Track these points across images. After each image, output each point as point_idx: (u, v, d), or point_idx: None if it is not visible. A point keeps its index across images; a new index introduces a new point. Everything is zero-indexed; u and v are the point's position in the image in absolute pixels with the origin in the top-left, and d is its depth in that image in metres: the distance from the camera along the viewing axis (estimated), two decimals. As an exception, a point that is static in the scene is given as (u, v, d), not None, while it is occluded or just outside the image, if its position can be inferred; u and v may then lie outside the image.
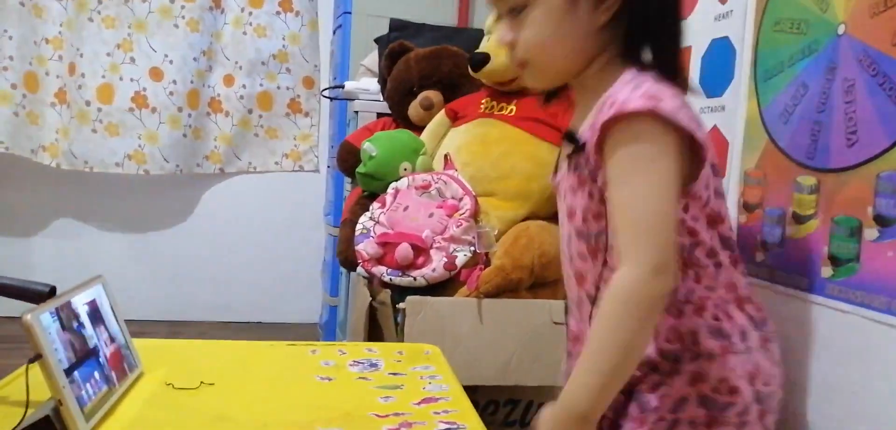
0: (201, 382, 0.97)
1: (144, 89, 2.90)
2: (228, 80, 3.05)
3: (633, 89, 0.77)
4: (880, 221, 0.82)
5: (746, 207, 1.07)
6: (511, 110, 1.64)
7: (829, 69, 0.91)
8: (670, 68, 0.83)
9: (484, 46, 1.67)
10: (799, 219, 0.95)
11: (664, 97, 0.76)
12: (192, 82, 2.96)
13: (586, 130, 0.83)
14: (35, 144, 2.85)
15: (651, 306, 0.75)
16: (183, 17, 2.92)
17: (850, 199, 0.86)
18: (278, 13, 3.06)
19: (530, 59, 0.88)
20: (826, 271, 0.90)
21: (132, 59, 2.89)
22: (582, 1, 0.83)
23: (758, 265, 1.03)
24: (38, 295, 0.82)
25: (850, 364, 0.87)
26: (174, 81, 2.93)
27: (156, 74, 2.91)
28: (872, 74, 0.83)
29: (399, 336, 1.41)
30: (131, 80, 2.89)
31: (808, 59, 0.95)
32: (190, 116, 2.98)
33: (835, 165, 0.87)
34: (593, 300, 0.87)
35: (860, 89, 0.85)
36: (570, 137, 0.86)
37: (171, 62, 2.92)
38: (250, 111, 3.09)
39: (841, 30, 0.89)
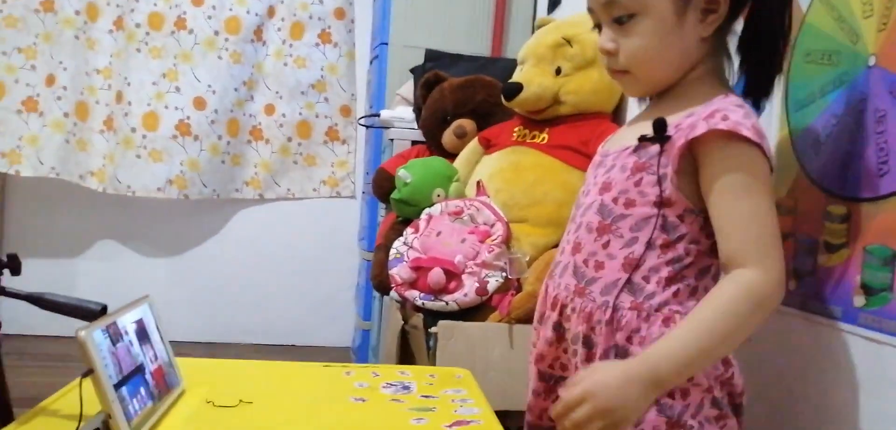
0: (240, 400, 1.00)
1: (188, 117, 3.00)
2: (269, 109, 3.13)
3: (744, 116, 0.83)
4: (912, 251, 0.82)
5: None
6: (543, 138, 1.66)
7: (859, 100, 0.91)
8: (766, 90, 0.89)
9: (517, 76, 1.70)
10: (830, 248, 0.95)
11: (766, 137, 0.84)
12: (231, 111, 3.05)
13: (674, 128, 0.86)
14: (83, 170, 2.96)
15: (769, 312, 0.81)
16: (227, 50, 3.02)
17: (882, 228, 0.86)
18: (317, 45, 3.15)
19: (633, 68, 0.91)
20: (858, 300, 0.89)
21: (177, 89, 2.99)
22: (690, 12, 0.86)
23: (790, 294, 1.03)
24: (91, 313, 0.87)
25: (883, 394, 0.86)
26: (216, 110, 3.02)
27: (199, 102, 3.00)
28: (902, 105, 0.84)
29: (431, 360, 1.43)
30: (176, 108, 2.99)
31: (839, 90, 0.95)
32: (228, 143, 3.07)
33: (866, 195, 0.87)
34: (577, 271, 0.92)
35: (891, 120, 0.86)
36: (661, 125, 0.87)
37: (213, 92, 3.01)
38: (290, 139, 3.16)
39: (871, 61, 0.90)
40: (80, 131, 2.93)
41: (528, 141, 1.68)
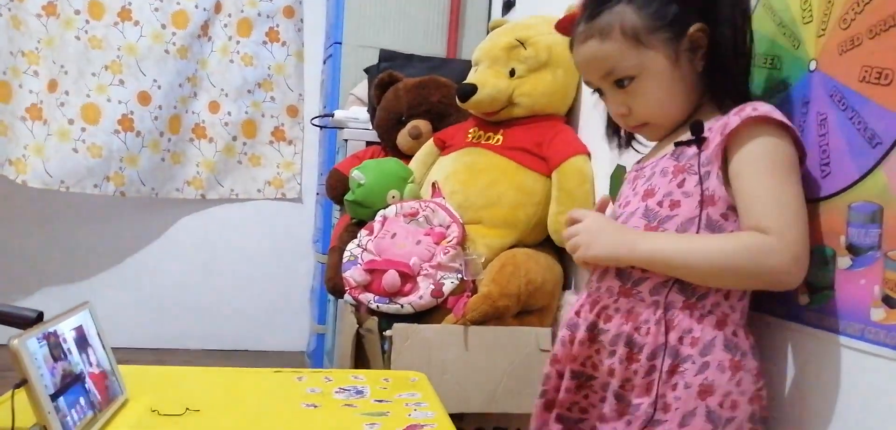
0: (186, 409, 0.97)
1: (132, 112, 2.88)
2: (213, 106, 3.05)
3: (772, 108, 0.87)
4: (852, 249, 0.84)
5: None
6: (498, 140, 1.66)
7: (802, 103, 0.94)
8: (745, 97, 0.93)
9: (471, 77, 1.70)
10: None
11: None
12: (175, 107, 2.96)
13: (708, 130, 0.91)
14: (1, 159, 2.77)
15: (774, 283, 0.84)
16: (173, 44, 2.93)
17: (824, 228, 0.89)
18: (265, 43, 3.09)
19: (650, 120, 0.98)
20: (803, 298, 0.92)
21: (121, 81, 2.87)
22: (681, 57, 0.93)
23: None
24: (26, 321, 0.83)
25: (822, 386, 0.88)
26: (160, 106, 2.92)
27: (144, 97, 2.90)
28: (842, 109, 0.86)
29: (386, 364, 1.42)
30: (119, 102, 2.86)
31: (783, 94, 0.98)
32: (170, 140, 2.98)
33: (810, 196, 0.89)
34: (621, 273, 0.93)
35: (832, 123, 0.88)
36: (698, 127, 0.91)
37: (159, 87, 2.91)
38: (234, 138, 3.09)
39: (812, 66, 0.92)
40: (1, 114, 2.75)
41: (483, 142, 1.68)
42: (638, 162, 1.06)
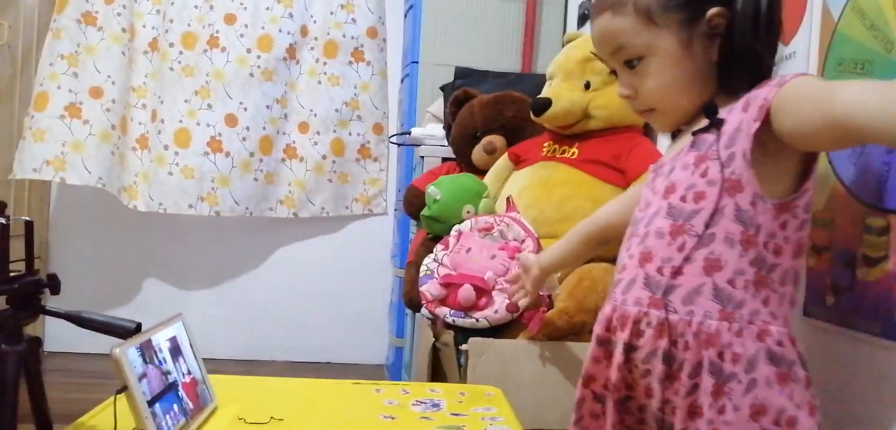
0: (271, 417, 1.01)
1: (220, 134, 3.01)
2: (303, 127, 3.16)
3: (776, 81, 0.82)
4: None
5: (815, 249, 1.05)
6: (573, 153, 1.65)
7: (896, 108, 0.89)
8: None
9: (546, 91, 1.69)
10: (869, 261, 0.92)
11: None
12: (264, 128, 3.08)
13: (727, 112, 0.85)
14: (119, 185, 2.98)
15: None
16: (258, 67, 3.04)
17: (921, 241, 0.84)
18: (350, 63, 3.18)
19: (656, 106, 0.92)
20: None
21: (209, 106, 3.01)
22: (695, 40, 0.87)
23: (828, 309, 1.00)
24: (125, 331, 0.89)
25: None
26: (247, 127, 3.03)
27: (230, 119, 3.03)
28: (941, 113, 0.81)
29: (462, 378, 1.43)
30: (208, 125, 3.01)
31: (875, 99, 0.93)
32: (261, 161, 3.09)
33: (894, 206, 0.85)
34: (649, 282, 0.86)
35: (929, 128, 0.83)
36: (712, 108, 0.87)
37: (245, 109, 3.03)
38: (324, 157, 3.18)
39: (907, 68, 0.87)
40: (122, 145, 2.98)
41: (558, 156, 1.67)
42: (656, 164, 0.98)
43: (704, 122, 0.87)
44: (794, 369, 0.81)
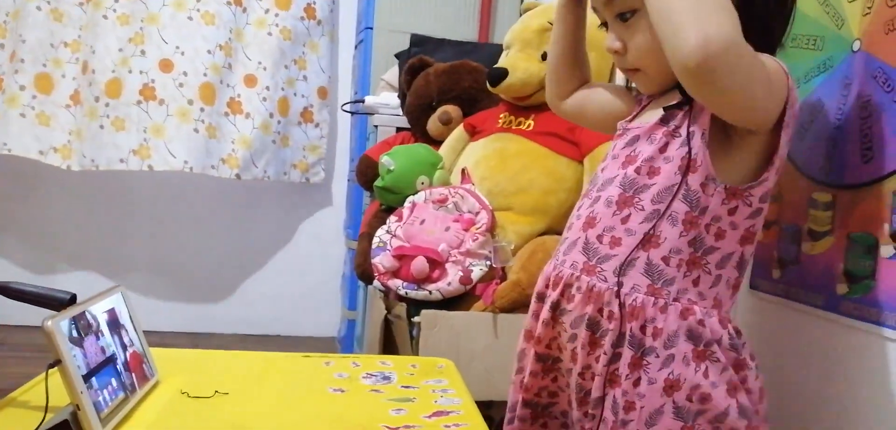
0: (216, 391, 0.98)
1: (153, 81, 2.79)
2: (250, 80, 2.94)
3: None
4: (896, 238, 0.81)
5: (763, 224, 1.06)
6: (529, 125, 1.64)
7: (844, 85, 0.90)
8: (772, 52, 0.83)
9: (502, 61, 1.67)
10: (815, 235, 0.94)
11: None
12: (205, 75, 2.83)
13: None
14: (45, 146, 2.80)
15: (670, 40, 0.73)
16: (197, 10, 2.83)
17: (865, 216, 0.85)
18: (302, 18, 3.01)
19: (643, 65, 0.88)
20: (841, 288, 0.89)
21: (142, 52, 2.80)
22: None
23: (774, 282, 1.02)
24: (59, 302, 0.84)
25: (864, 382, 0.85)
26: (185, 73, 2.82)
27: (166, 65, 2.81)
28: (887, 91, 0.83)
29: (414, 350, 1.42)
30: (140, 72, 2.79)
31: (824, 75, 0.94)
32: (202, 110, 2.84)
33: (850, 182, 0.86)
34: (588, 248, 0.86)
35: (875, 106, 0.85)
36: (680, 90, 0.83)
37: (182, 54, 2.82)
38: (271, 115, 2.96)
39: (856, 46, 0.88)
40: (42, 105, 2.77)
41: (513, 128, 1.66)
42: (627, 120, 0.94)
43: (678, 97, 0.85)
44: (712, 348, 0.80)
